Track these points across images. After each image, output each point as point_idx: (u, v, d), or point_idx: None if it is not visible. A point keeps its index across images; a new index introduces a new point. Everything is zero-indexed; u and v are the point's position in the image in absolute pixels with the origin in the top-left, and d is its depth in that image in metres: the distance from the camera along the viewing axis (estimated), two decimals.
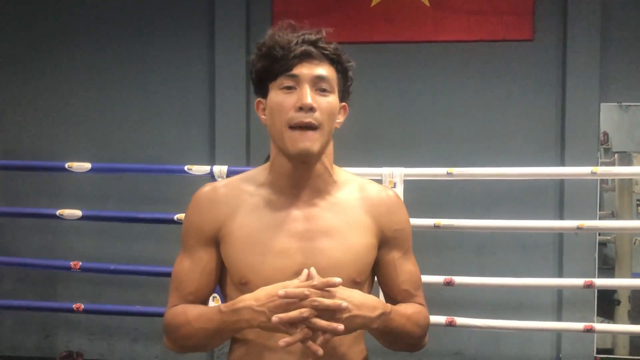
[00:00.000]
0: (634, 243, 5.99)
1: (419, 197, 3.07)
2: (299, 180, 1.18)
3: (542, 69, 3.78)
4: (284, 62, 1.11)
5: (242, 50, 3.85)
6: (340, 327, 1.04)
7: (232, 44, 3.86)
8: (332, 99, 1.17)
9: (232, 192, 1.20)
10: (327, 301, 1.04)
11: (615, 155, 6.78)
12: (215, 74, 3.86)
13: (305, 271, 1.08)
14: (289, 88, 1.12)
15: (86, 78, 4.02)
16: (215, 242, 1.19)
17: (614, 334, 4.58)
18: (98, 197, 3.87)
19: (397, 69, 3.86)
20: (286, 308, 1.02)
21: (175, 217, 3.02)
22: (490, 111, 3.81)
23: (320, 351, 1.04)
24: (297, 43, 1.13)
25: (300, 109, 1.11)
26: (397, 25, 3.88)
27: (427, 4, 3.85)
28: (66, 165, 3.01)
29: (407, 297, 1.27)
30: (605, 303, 4.76)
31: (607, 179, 5.89)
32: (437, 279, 2.91)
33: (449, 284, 2.88)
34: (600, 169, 2.88)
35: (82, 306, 3.13)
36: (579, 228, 2.75)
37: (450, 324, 2.90)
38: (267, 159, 1.25)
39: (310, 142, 1.12)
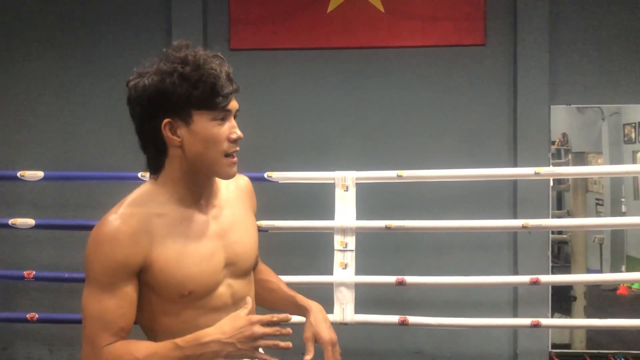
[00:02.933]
0: (593, 241, 6.18)
1: (372, 199, 3.15)
2: (205, 190, 1.33)
3: (494, 73, 3.88)
4: (224, 98, 1.22)
5: None
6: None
7: None
8: None
9: (142, 219, 1.23)
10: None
11: (570, 155, 6.99)
12: None
13: (248, 300, 1.25)
14: (221, 120, 1.25)
15: (41, 84, 3.98)
16: (138, 273, 1.23)
17: (571, 329, 4.73)
18: (55, 205, 3.84)
19: (353, 74, 3.92)
20: (253, 339, 1.16)
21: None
22: (444, 114, 3.89)
23: None
24: (227, 79, 1.24)
25: (234, 141, 1.26)
26: (353, 31, 3.94)
27: (382, 10, 3.93)
28: (18, 174, 3.00)
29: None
30: (562, 300, 4.90)
31: (566, 179, 6.09)
32: (390, 279, 2.97)
33: (401, 283, 2.95)
34: (544, 170, 2.98)
35: (37, 316, 3.11)
36: (524, 227, 2.85)
37: (403, 323, 2.97)
38: (152, 172, 1.31)
39: (236, 168, 1.30)
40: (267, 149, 3.70)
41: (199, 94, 1.21)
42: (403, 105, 3.89)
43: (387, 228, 2.97)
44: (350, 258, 2.97)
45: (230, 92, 1.24)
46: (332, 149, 3.81)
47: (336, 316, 2.97)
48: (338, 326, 3.11)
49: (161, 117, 1.24)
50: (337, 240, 2.99)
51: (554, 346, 4.07)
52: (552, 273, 4.18)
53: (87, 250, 1.22)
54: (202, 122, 1.24)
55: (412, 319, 2.98)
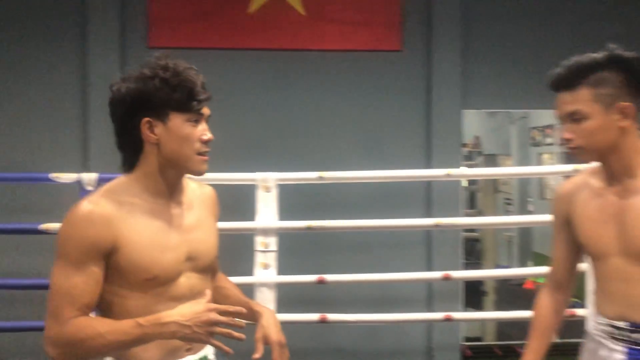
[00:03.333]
0: (503, 239, 6.54)
1: (293, 200, 3.19)
2: (174, 188, 1.44)
3: (410, 78, 4.03)
4: (198, 102, 1.37)
5: (115, 54, 3.78)
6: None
7: (106, 48, 3.77)
8: None
9: (115, 206, 1.34)
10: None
11: (481, 157, 7.34)
12: (89, 79, 3.76)
13: (208, 292, 1.34)
14: (195, 122, 1.38)
15: None
16: (107, 254, 1.32)
17: (483, 323, 4.99)
18: None
19: (274, 75, 3.95)
20: (209, 324, 1.26)
21: (41, 226, 2.89)
22: (362, 118, 4.00)
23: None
24: (202, 87, 1.39)
25: (205, 142, 1.40)
26: (274, 33, 3.97)
27: (303, 13, 3.98)
28: None
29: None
30: (474, 295, 5.15)
31: (477, 180, 6.41)
32: (310, 278, 3.02)
33: (321, 282, 3.01)
34: (454, 171, 3.13)
35: None
36: (437, 225, 2.98)
37: (323, 321, 3.03)
38: (126, 169, 1.42)
39: (206, 164, 1.43)
40: None
41: (177, 97, 1.35)
42: (324, 107, 3.97)
43: (309, 228, 3.02)
44: (272, 258, 2.99)
45: (204, 98, 1.38)
46: (254, 151, 3.82)
47: None
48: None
49: (141, 116, 1.35)
50: (259, 241, 3.00)
51: (467, 339, 4.28)
52: (466, 269, 4.38)
53: (61, 230, 1.33)
54: (178, 123, 1.36)
55: (331, 317, 3.05)
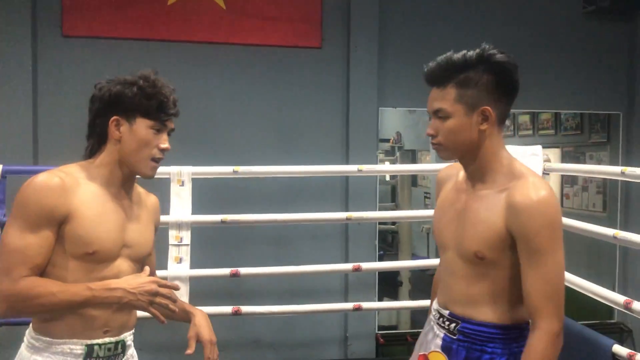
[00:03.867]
0: (422, 231, 6.78)
1: (207, 194, 3.20)
2: (125, 182, 1.61)
3: (329, 75, 4.12)
4: (166, 115, 1.56)
5: (27, 41, 3.66)
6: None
7: (17, 35, 3.65)
8: None
9: (72, 181, 1.49)
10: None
11: (398, 153, 7.58)
12: (1, 67, 3.61)
13: (147, 268, 1.56)
14: (157, 130, 1.55)
15: None
16: (60, 223, 1.45)
17: (398, 312, 5.19)
18: None
19: (192, 68, 3.93)
20: (152, 293, 1.46)
21: None
22: (282, 113, 4.05)
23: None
24: (174, 103, 1.59)
25: (162, 150, 1.57)
26: (194, 25, 3.95)
27: (224, 6, 3.98)
28: None
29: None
30: (390, 285, 5.34)
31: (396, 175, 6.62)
32: (224, 272, 3.06)
33: (235, 275, 3.05)
34: (366, 167, 3.24)
35: None
36: (348, 219, 3.09)
37: (237, 313, 3.08)
38: (88, 156, 1.60)
39: (155, 171, 1.62)
40: None
41: (147, 105, 1.53)
42: (242, 101, 3.99)
43: (223, 222, 3.05)
44: (185, 252, 3.00)
45: (172, 112, 1.57)
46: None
47: None
48: (185, 325, 3.14)
49: (111, 114, 1.53)
50: (172, 234, 3.01)
51: (381, 328, 4.45)
52: (385, 260, 4.53)
53: (22, 194, 1.45)
54: (142, 127, 1.54)
55: (245, 309, 3.10)
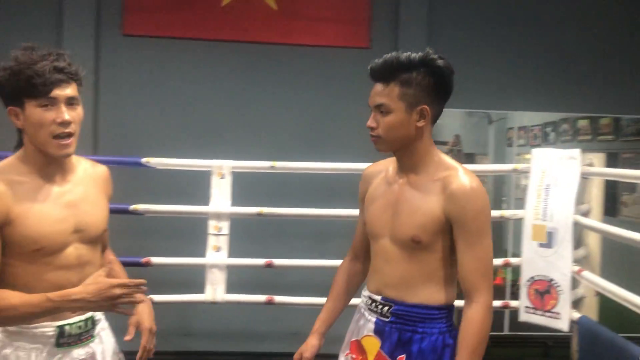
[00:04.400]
0: None
1: (246, 187, 3.32)
2: (56, 168, 1.54)
3: None
4: (42, 87, 1.42)
5: (91, 40, 3.90)
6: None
7: (81, 35, 3.87)
8: (80, 110, 1.54)
9: (5, 184, 1.46)
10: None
11: (449, 156, 7.52)
12: None
13: (104, 268, 1.51)
14: (45, 106, 1.44)
15: None
16: (1, 227, 1.44)
17: None
18: None
19: (242, 67, 4.06)
20: (113, 298, 1.44)
21: None
22: (329, 112, 4.12)
23: None
24: (54, 71, 1.44)
25: (61, 124, 1.45)
26: (246, 26, 4.08)
27: (275, 8, 4.10)
28: None
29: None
30: None
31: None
32: (259, 262, 3.18)
33: (269, 266, 3.16)
34: None
35: None
36: None
37: (270, 302, 3.19)
38: (16, 149, 1.55)
39: (70, 147, 1.49)
40: (150, 135, 3.79)
41: (24, 85, 1.43)
42: (287, 100, 4.09)
43: (260, 214, 3.17)
44: (224, 242, 3.14)
45: (50, 82, 1.43)
46: (213, 138, 3.94)
47: (207, 296, 3.13)
48: (220, 309, 3.29)
49: (7, 105, 1.49)
50: (211, 224, 3.15)
51: None
52: None
53: None
54: (31, 109, 1.45)
55: (278, 299, 3.21)
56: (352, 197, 3.75)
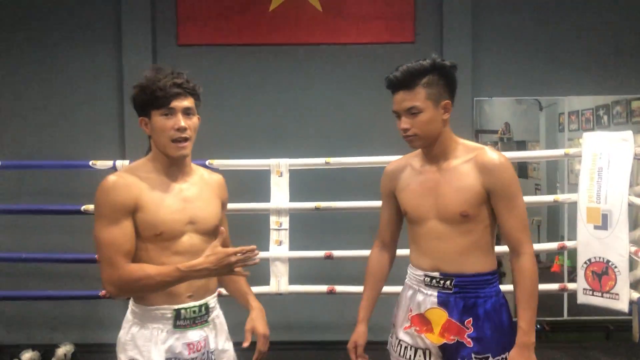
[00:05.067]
0: (532, 223, 6.65)
1: (303, 183, 3.47)
2: (177, 169, 1.80)
3: None
4: (164, 99, 1.70)
5: (148, 51, 4.11)
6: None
7: (139, 46, 4.10)
8: (196, 119, 1.81)
9: (133, 177, 1.73)
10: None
11: (499, 144, 7.45)
12: (124, 76, 4.09)
13: (222, 229, 1.74)
14: (166, 115, 1.71)
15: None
16: (132, 212, 1.69)
17: None
18: (13, 192, 4.05)
19: (292, 69, 4.21)
20: (230, 266, 1.65)
21: (82, 208, 3.28)
22: (376, 107, 4.17)
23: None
24: (172, 87, 1.71)
25: (178, 130, 1.72)
26: (293, 28, 4.22)
27: (320, 9, 4.23)
28: None
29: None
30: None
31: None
32: (319, 254, 3.32)
33: (329, 257, 3.31)
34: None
35: None
36: None
37: (331, 292, 3.33)
38: (147, 153, 1.83)
39: (185, 149, 1.76)
40: (211, 138, 3.95)
41: (149, 98, 1.72)
42: (337, 98, 4.20)
43: (317, 209, 3.31)
44: (285, 236, 3.30)
45: (172, 94, 1.70)
46: (270, 138, 4.11)
47: (272, 287, 3.30)
48: (284, 301, 3.45)
49: (139, 116, 1.77)
50: (273, 220, 3.31)
51: None
52: None
53: (97, 197, 1.69)
54: (155, 118, 1.73)
55: (339, 288, 3.35)
56: None
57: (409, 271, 1.93)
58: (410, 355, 1.85)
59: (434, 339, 1.80)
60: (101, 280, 1.68)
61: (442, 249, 1.79)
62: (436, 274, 1.80)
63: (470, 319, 1.76)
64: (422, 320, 1.82)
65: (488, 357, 1.75)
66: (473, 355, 1.75)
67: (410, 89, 1.76)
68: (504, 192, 1.73)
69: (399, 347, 1.89)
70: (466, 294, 1.77)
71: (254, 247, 1.68)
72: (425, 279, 1.82)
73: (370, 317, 2.02)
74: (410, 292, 1.88)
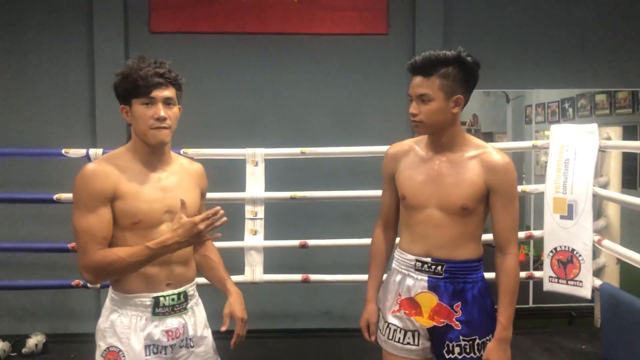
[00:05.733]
0: None
1: (278, 173, 3.49)
2: (156, 158, 1.81)
3: (394, 61, 4.25)
4: (145, 88, 1.71)
5: (120, 39, 4.05)
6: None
7: (111, 34, 4.04)
8: (176, 109, 1.82)
9: (112, 166, 1.75)
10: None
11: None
12: (95, 64, 4.04)
13: (184, 200, 1.72)
14: (147, 104, 1.73)
15: None
16: (111, 201, 1.71)
17: None
18: None
19: (265, 58, 4.21)
20: (199, 233, 1.66)
21: (55, 196, 3.24)
22: (349, 98, 4.25)
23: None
24: (154, 76, 1.72)
25: (157, 119, 1.73)
26: (267, 17, 4.21)
27: None
28: None
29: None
30: None
31: None
32: (294, 243, 3.36)
33: (304, 246, 3.34)
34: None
35: None
36: None
37: (306, 281, 3.37)
38: (127, 141, 1.84)
39: (165, 137, 1.77)
40: (186, 128, 3.92)
41: (130, 87, 1.73)
42: (311, 88, 4.23)
43: (292, 198, 3.34)
44: (260, 225, 3.33)
45: (151, 84, 1.72)
46: (245, 128, 4.11)
47: (247, 276, 3.33)
48: (257, 290, 3.47)
49: (120, 104, 1.78)
50: (248, 209, 3.33)
51: None
52: None
53: (76, 185, 1.71)
54: (136, 106, 1.75)
55: (313, 277, 3.39)
56: (376, 178, 3.94)
57: (397, 256, 1.97)
58: (399, 338, 1.91)
59: (423, 322, 1.87)
60: (78, 269, 1.69)
61: (437, 236, 1.85)
62: (428, 260, 1.86)
63: (459, 303, 1.84)
64: (412, 304, 1.88)
65: (475, 339, 1.84)
66: (461, 337, 1.84)
67: (427, 76, 1.78)
68: (505, 193, 1.81)
69: (387, 330, 1.94)
70: (455, 279, 1.84)
71: (217, 208, 1.69)
72: (417, 263, 1.87)
73: (378, 295, 2.03)
74: (399, 277, 1.92)
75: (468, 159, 1.84)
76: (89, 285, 3.20)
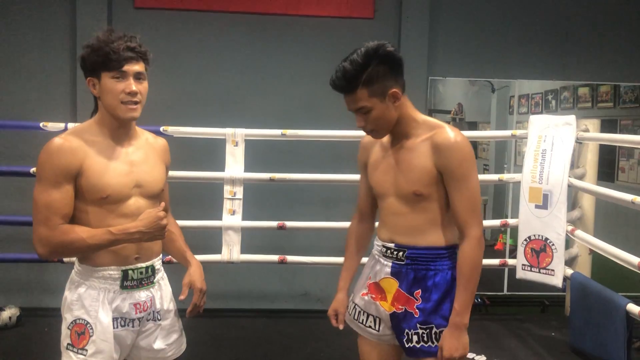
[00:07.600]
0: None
1: (258, 154, 3.49)
2: (123, 132, 1.81)
3: None
4: (116, 62, 1.69)
5: (103, 13, 3.99)
6: None
7: (94, 8, 3.98)
8: (146, 84, 1.80)
9: (79, 141, 1.72)
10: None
11: (450, 124, 7.61)
12: (77, 38, 3.98)
13: (163, 203, 1.78)
14: (117, 78, 1.71)
15: None
16: (75, 177, 1.68)
17: None
18: None
19: (249, 38, 4.18)
20: (163, 227, 1.71)
21: (32, 170, 3.22)
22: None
23: None
24: (126, 50, 1.70)
25: (129, 94, 1.72)
26: None
27: None
28: None
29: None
30: None
31: None
32: (272, 224, 3.37)
33: (281, 228, 3.36)
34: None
35: None
36: None
37: (282, 262, 3.39)
38: (93, 114, 1.81)
39: (135, 111, 1.75)
40: (167, 105, 3.92)
41: (101, 60, 1.70)
42: (295, 70, 4.21)
43: (271, 180, 3.35)
44: (238, 205, 3.33)
45: (125, 58, 1.70)
46: (226, 107, 4.09)
47: (224, 256, 3.34)
48: (234, 270, 3.48)
49: (86, 77, 1.75)
50: (227, 189, 3.33)
51: None
52: None
53: (40, 159, 1.68)
54: (106, 80, 1.72)
55: (290, 258, 3.41)
56: (356, 163, 3.96)
57: (374, 242, 1.98)
58: (362, 320, 1.92)
59: (386, 307, 1.87)
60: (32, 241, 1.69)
61: (397, 222, 1.84)
62: (391, 245, 1.85)
63: (419, 290, 1.81)
64: (377, 289, 1.89)
65: (432, 327, 1.80)
66: (418, 325, 1.81)
67: (352, 93, 1.73)
68: (454, 173, 1.73)
69: (354, 311, 1.96)
70: (417, 266, 1.81)
71: (163, 204, 1.74)
72: (383, 249, 1.88)
73: (349, 286, 2.02)
74: (372, 262, 1.94)
75: (420, 142, 1.78)
76: (64, 260, 3.19)
